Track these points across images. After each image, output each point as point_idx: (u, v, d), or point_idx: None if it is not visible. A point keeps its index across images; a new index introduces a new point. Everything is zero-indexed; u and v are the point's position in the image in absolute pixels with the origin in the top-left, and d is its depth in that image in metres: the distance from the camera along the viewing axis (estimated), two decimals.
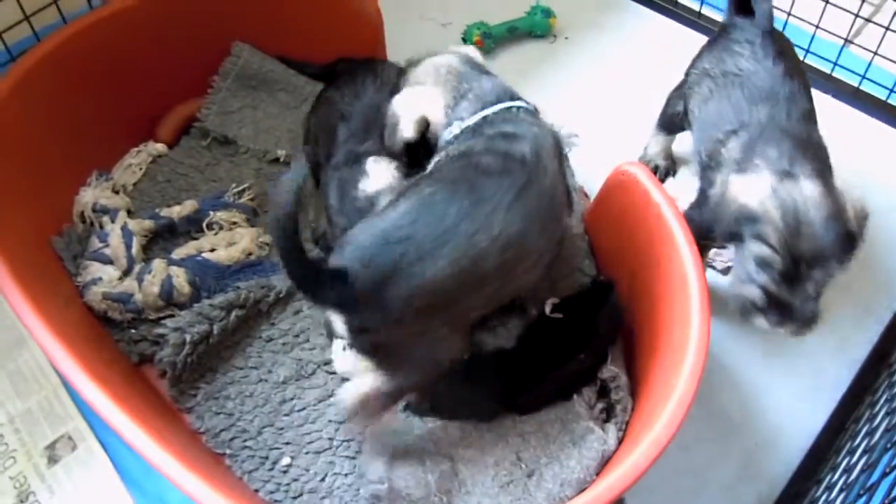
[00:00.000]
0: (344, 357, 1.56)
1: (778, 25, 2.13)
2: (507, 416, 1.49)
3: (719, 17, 2.29)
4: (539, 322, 1.56)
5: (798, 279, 1.40)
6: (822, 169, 1.47)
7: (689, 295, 1.34)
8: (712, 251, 1.80)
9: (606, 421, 1.47)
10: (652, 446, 1.20)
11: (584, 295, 1.60)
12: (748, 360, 1.69)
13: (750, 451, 1.58)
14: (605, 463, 1.40)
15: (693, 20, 2.34)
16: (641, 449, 1.20)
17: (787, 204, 1.39)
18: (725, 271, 1.81)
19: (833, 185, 1.44)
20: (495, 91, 1.48)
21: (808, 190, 1.40)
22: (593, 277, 1.66)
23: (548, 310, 1.56)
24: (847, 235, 1.40)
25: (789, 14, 2.15)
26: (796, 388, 1.66)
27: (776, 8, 2.15)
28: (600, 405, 1.49)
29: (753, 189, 1.44)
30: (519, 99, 1.49)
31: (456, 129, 1.45)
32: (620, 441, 1.42)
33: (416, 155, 1.52)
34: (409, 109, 1.50)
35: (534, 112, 1.49)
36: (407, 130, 1.49)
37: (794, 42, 2.00)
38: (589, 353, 1.50)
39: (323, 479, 1.47)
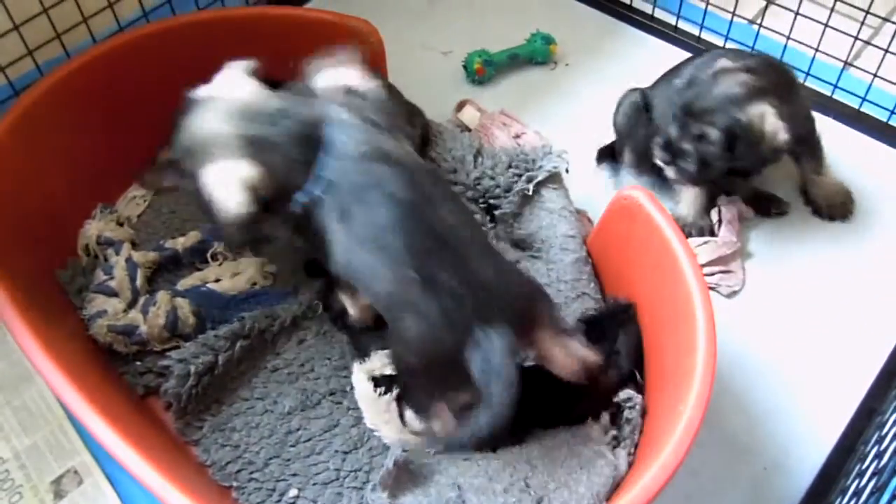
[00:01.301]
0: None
1: (777, 49, 2.16)
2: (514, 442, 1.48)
3: (719, 41, 2.31)
4: None
5: (687, 129, 1.69)
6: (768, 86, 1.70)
7: (695, 319, 1.34)
8: (717, 276, 1.81)
9: (616, 445, 1.46)
10: (661, 471, 1.19)
11: (604, 316, 1.60)
12: (755, 383, 1.68)
13: (759, 474, 1.56)
14: (615, 487, 1.39)
15: (693, 44, 2.34)
16: (651, 473, 1.19)
17: (700, 72, 1.70)
18: (731, 296, 1.81)
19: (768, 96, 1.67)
20: None
21: (730, 78, 1.66)
22: (613, 298, 1.65)
23: None
24: (734, 120, 1.63)
25: (788, 38, 2.16)
26: (804, 411, 1.65)
27: (775, 32, 2.18)
28: (613, 431, 1.48)
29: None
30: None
31: None
32: (630, 465, 1.42)
33: None
34: None
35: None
36: None
37: (795, 65, 2.02)
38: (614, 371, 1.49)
39: None
